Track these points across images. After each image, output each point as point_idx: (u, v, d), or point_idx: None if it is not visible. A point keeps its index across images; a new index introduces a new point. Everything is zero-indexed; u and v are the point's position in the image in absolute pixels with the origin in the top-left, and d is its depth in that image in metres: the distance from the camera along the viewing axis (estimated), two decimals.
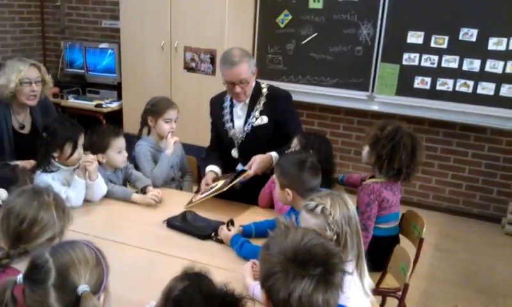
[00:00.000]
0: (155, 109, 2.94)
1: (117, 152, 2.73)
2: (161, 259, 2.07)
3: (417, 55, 4.31)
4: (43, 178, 2.46)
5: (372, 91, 4.52)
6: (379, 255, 2.43)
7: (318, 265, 1.22)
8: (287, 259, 1.24)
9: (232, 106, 2.91)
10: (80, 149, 2.58)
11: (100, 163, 2.66)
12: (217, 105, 2.99)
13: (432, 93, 4.32)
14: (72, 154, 2.54)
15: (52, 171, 2.52)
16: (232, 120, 2.91)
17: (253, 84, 2.84)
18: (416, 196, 4.74)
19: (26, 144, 3.00)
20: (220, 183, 2.70)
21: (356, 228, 1.76)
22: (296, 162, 2.17)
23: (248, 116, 2.86)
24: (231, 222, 2.27)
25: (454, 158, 4.59)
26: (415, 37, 4.28)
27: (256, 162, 2.66)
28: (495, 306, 3.25)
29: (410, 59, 4.34)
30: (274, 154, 2.73)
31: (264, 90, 2.87)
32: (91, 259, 1.27)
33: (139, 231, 2.34)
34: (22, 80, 2.92)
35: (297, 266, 1.22)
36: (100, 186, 2.60)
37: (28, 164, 2.84)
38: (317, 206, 1.72)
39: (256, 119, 2.83)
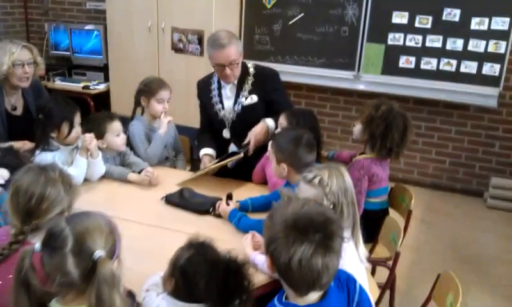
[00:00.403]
0: (147, 89, 2.98)
1: (115, 135, 2.77)
2: (163, 234, 2.14)
3: (402, 35, 4.39)
4: (44, 157, 2.49)
5: (358, 70, 4.60)
6: (370, 227, 2.53)
7: (317, 231, 1.30)
8: (288, 226, 1.32)
9: (219, 88, 2.94)
10: (77, 128, 2.62)
11: (100, 149, 2.69)
12: (204, 88, 3.01)
13: (417, 72, 4.42)
14: (69, 133, 2.58)
15: (52, 150, 2.55)
16: (221, 102, 2.94)
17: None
18: (401, 173, 4.85)
19: (19, 125, 3.02)
20: (213, 162, 2.76)
21: (351, 198, 1.84)
22: (292, 138, 2.24)
23: (238, 96, 2.89)
24: (229, 197, 2.33)
25: (437, 135, 4.71)
26: (399, 17, 4.36)
27: (253, 138, 2.71)
28: (479, 273, 3.40)
29: (395, 38, 4.42)
30: (268, 121, 2.78)
31: (251, 70, 2.90)
32: (105, 227, 1.33)
33: (139, 208, 2.40)
34: (15, 62, 2.91)
35: (298, 232, 1.30)
36: (100, 165, 2.65)
37: (22, 144, 2.87)
38: (315, 177, 1.80)
39: (246, 98, 2.87)
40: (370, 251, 2.60)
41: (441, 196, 4.69)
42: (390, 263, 2.61)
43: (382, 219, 2.59)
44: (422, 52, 4.36)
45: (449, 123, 4.64)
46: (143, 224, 2.21)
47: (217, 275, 1.49)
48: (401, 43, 4.41)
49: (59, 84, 5.16)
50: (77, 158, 2.57)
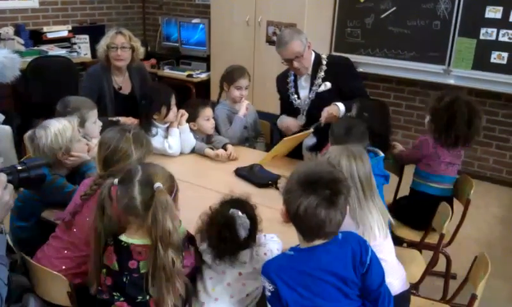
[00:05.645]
0: (229, 77, 3.34)
1: (205, 120, 3.18)
2: None
3: (495, 30, 4.32)
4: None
5: (449, 65, 4.59)
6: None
7: (326, 187, 1.55)
8: (300, 180, 1.59)
9: (295, 80, 3.25)
10: (174, 108, 3.09)
11: (192, 130, 3.14)
12: (282, 81, 3.34)
13: (509, 68, 4.31)
14: (167, 113, 3.06)
15: (156, 127, 3.09)
16: (296, 92, 3.24)
17: (311, 56, 3.13)
18: (489, 171, 4.75)
19: (125, 103, 3.49)
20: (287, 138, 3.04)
21: (360, 182, 1.90)
22: (345, 126, 2.46)
23: (312, 84, 3.16)
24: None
25: None
26: (493, 12, 4.29)
27: (325, 111, 2.92)
28: None
29: (487, 33, 4.35)
30: (339, 104, 2.93)
31: (324, 60, 3.16)
32: (166, 173, 1.73)
33: (214, 178, 2.80)
34: (110, 46, 3.39)
35: (307, 185, 1.56)
36: (189, 139, 3.11)
37: (128, 120, 3.35)
38: (327, 152, 2.01)
39: (320, 86, 3.12)
40: (424, 236, 2.71)
41: None
42: (447, 249, 2.72)
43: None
44: None
45: None
46: (213, 191, 2.56)
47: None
48: (494, 38, 4.33)
49: (167, 72, 5.75)
50: (170, 129, 3.07)
